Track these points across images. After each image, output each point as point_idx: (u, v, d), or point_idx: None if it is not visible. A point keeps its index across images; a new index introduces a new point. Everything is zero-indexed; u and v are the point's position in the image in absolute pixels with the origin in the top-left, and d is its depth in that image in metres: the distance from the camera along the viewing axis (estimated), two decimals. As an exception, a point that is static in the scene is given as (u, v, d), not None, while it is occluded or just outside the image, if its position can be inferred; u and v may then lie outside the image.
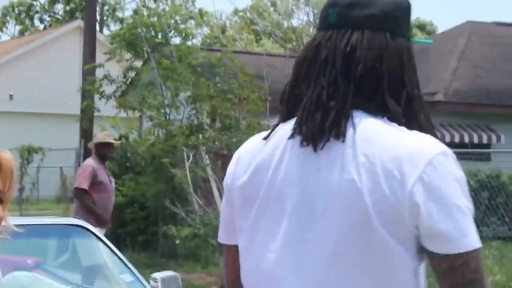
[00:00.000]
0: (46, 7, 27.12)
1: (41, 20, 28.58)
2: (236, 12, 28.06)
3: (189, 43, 9.97)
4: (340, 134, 0.95)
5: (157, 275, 3.23)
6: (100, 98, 9.58)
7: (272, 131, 1.06)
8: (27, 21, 28.03)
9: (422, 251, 0.95)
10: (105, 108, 9.61)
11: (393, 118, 0.99)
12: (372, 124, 0.97)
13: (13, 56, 19.36)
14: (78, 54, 10.73)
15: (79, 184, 5.73)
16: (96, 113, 9.92)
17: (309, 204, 0.97)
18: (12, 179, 1.45)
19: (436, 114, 10.14)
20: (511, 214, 8.50)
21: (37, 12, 27.60)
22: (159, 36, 9.77)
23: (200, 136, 8.08)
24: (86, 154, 9.79)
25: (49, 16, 28.21)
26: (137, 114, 9.50)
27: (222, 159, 8.01)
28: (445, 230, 0.89)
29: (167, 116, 8.44)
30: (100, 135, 6.82)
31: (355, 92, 0.98)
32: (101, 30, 19.80)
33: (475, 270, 0.91)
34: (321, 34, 1.05)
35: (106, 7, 25.75)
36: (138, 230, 8.82)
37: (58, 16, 27.71)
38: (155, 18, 9.76)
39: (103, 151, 6.32)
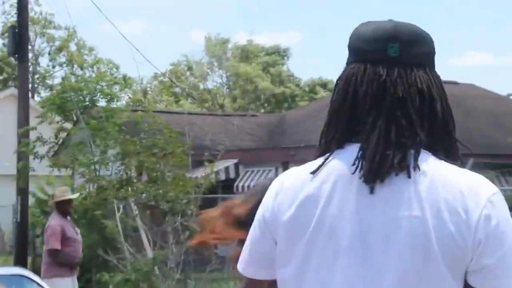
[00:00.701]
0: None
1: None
2: (156, 76, 29.86)
3: (114, 105, 10.72)
4: (407, 171, 0.92)
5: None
6: (34, 159, 9.95)
7: (320, 166, 1.00)
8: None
9: None
10: (39, 167, 10.00)
11: (449, 156, 0.98)
12: (431, 160, 0.95)
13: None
14: (13, 119, 11.10)
15: (52, 246, 6.01)
16: (31, 173, 10.35)
17: (365, 240, 0.93)
18: None
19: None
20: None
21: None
22: (87, 99, 10.35)
23: (129, 189, 8.48)
24: (23, 211, 10.26)
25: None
26: (69, 171, 9.96)
27: (150, 210, 8.53)
28: (494, 266, 0.88)
29: (97, 172, 8.94)
30: (58, 192, 6.93)
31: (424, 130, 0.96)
32: (32, 96, 20.44)
33: None
34: (381, 69, 0.98)
35: (36, 76, 26.60)
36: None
37: None
38: (83, 84, 10.41)
39: (64, 208, 6.50)
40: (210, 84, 31.85)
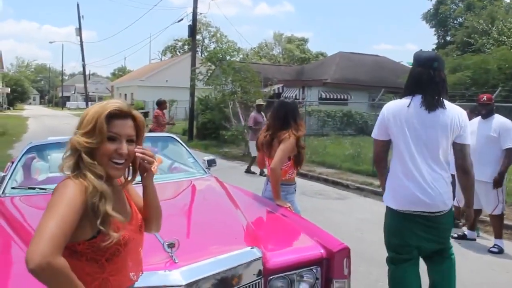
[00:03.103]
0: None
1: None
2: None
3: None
4: (441, 106, 3.16)
5: (205, 158, 5.16)
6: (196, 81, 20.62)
7: (411, 103, 3.22)
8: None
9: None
10: (199, 84, 20.99)
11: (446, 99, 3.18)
12: (446, 102, 3.19)
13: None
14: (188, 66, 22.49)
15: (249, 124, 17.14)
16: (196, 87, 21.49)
17: (422, 131, 3.17)
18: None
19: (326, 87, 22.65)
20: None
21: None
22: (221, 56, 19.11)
23: (235, 95, 17.06)
24: (192, 105, 21.52)
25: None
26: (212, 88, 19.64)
27: (243, 105, 16.98)
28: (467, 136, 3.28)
29: (223, 87, 17.72)
30: (257, 100, 13.17)
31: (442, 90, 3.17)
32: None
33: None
34: (427, 69, 3.16)
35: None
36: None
37: None
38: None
39: (258, 107, 12.48)
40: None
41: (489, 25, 31.80)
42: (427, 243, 3.35)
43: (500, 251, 6.18)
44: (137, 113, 1.85)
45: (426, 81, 3.13)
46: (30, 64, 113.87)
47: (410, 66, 3.59)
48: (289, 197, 4.05)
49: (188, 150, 5.13)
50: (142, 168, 1.89)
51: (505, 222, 6.61)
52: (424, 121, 3.13)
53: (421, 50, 3.81)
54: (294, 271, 2.83)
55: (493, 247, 6.25)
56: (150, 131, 11.45)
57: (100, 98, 63.84)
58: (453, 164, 3.34)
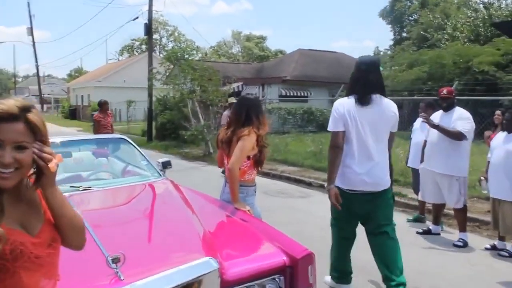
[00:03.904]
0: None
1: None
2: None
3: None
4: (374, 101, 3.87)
5: (159, 160, 5.00)
6: (154, 81, 20.36)
7: (352, 98, 3.92)
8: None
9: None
10: (157, 84, 20.56)
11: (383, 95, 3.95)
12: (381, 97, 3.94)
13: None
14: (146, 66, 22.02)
15: None
16: (154, 87, 21.06)
17: (364, 123, 3.84)
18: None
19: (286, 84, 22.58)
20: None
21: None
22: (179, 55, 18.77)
23: (194, 94, 16.70)
24: (151, 104, 21.12)
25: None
26: (170, 87, 19.67)
27: (202, 104, 16.64)
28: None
29: (182, 86, 17.49)
30: (230, 100, 11.98)
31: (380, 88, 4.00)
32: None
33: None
34: (366, 72, 3.94)
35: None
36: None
37: None
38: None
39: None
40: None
41: (444, 20, 32.47)
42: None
43: (465, 245, 6.13)
44: (30, 115, 1.58)
45: (361, 82, 3.93)
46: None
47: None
48: (248, 200, 3.78)
49: (141, 152, 4.83)
50: (38, 168, 1.61)
51: (468, 214, 6.56)
52: (361, 114, 3.86)
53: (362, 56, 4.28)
54: (255, 282, 2.58)
55: (458, 241, 6.20)
56: None
57: (56, 100, 62.12)
58: (415, 158, 4.69)
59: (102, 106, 11.69)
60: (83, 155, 4.90)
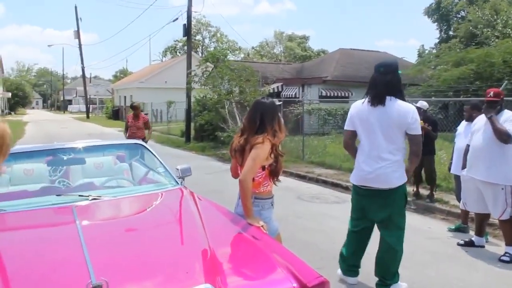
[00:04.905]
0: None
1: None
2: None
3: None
4: (385, 103, 4.01)
5: (178, 166, 4.57)
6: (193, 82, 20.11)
7: (365, 101, 4.17)
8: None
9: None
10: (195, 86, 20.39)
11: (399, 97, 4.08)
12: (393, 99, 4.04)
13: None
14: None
15: None
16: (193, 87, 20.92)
17: (375, 124, 4.05)
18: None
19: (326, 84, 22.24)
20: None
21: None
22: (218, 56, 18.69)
23: (232, 95, 16.80)
24: (189, 105, 21.06)
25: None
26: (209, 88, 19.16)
27: (240, 105, 16.54)
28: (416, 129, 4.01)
29: (220, 87, 17.47)
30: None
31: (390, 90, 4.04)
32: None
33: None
34: (376, 73, 4.15)
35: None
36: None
37: None
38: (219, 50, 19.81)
39: None
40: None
41: (494, 16, 31.07)
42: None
43: (512, 260, 5.61)
44: None
45: (374, 83, 4.16)
46: (31, 68, 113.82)
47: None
48: (264, 213, 3.46)
49: (158, 159, 4.59)
50: None
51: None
52: (372, 115, 4.10)
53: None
54: (259, 311, 2.28)
55: (504, 255, 5.69)
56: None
57: (101, 101, 63.51)
58: (458, 164, 4.60)
59: (133, 109, 11.91)
60: (100, 160, 4.72)
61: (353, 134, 4.38)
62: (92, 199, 3.61)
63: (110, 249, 2.66)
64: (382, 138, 4.10)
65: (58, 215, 3.40)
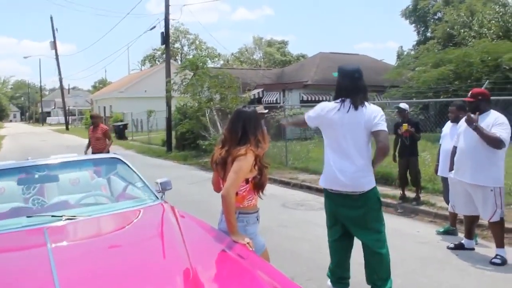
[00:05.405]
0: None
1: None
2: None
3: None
4: (359, 107, 3.99)
5: (158, 180, 4.43)
6: (172, 91, 19.89)
7: (338, 103, 4.09)
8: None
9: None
10: (174, 94, 20.14)
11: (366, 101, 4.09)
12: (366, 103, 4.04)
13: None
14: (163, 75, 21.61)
15: None
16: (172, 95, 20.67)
17: (345, 128, 3.99)
18: None
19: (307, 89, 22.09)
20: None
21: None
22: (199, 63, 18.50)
23: (212, 102, 16.53)
24: (169, 113, 20.70)
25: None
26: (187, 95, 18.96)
27: (221, 112, 16.36)
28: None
29: (199, 95, 17.24)
30: (258, 108, 8.62)
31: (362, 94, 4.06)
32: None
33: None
34: (350, 79, 4.18)
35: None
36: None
37: None
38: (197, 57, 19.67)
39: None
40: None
41: (470, 17, 31.42)
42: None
43: (503, 262, 5.52)
44: None
45: (350, 88, 4.14)
46: (7, 81, 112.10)
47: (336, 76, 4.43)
48: (249, 229, 3.26)
49: (136, 173, 4.37)
50: None
51: (506, 225, 5.92)
52: (345, 119, 4.04)
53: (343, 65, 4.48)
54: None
55: (495, 257, 5.59)
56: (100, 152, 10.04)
57: (80, 112, 62.69)
58: (444, 166, 4.27)
59: (91, 118, 11.13)
60: (76, 175, 4.48)
61: (307, 126, 4.52)
62: (66, 219, 3.38)
63: (83, 274, 2.44)
64: (349, 141, 4.06)
65: (28, 238, 3.17)
